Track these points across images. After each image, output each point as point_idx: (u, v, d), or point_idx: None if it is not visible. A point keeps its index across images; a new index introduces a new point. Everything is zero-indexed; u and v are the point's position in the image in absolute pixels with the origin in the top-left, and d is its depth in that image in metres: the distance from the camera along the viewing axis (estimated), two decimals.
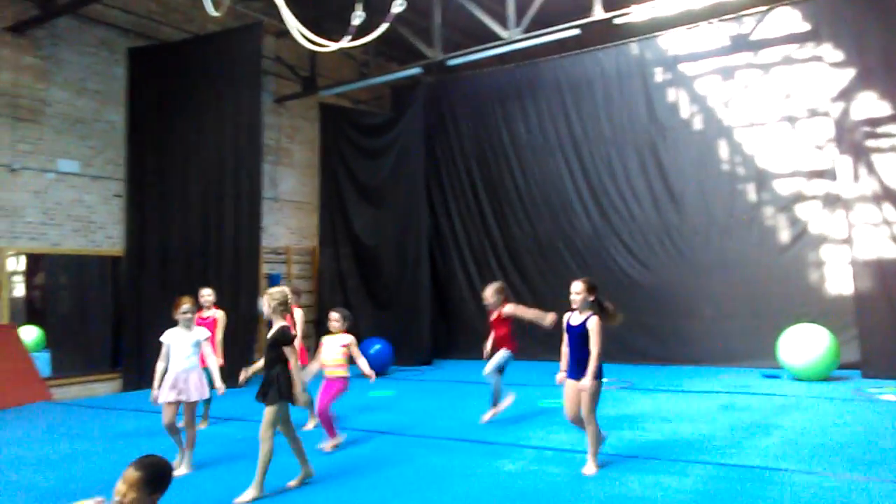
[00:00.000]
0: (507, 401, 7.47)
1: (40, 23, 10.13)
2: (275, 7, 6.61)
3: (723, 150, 11.78)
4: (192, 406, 5.86)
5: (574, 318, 5.42)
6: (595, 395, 5.29)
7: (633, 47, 12.47)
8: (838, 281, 10.53)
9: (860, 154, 9.74)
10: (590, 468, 5.30)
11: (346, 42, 7.26)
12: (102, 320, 11.24)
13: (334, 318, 6.46)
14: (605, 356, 12.69)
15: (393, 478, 5.38)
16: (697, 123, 11.99)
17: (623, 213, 12.43)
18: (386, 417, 7.86)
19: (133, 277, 11.11)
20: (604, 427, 6.93)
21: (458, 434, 6.84)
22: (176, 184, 11.24)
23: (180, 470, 5.65)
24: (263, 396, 5.01)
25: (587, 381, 5.21)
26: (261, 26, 11.26)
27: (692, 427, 6.88)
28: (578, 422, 5.41)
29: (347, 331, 6.47)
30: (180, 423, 5.87)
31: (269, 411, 4.95)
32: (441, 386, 10.31)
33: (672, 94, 12.21)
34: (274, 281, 13.38)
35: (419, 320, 13.18)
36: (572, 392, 5.38)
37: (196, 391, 5.84)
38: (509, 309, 7.53)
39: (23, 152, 10.14)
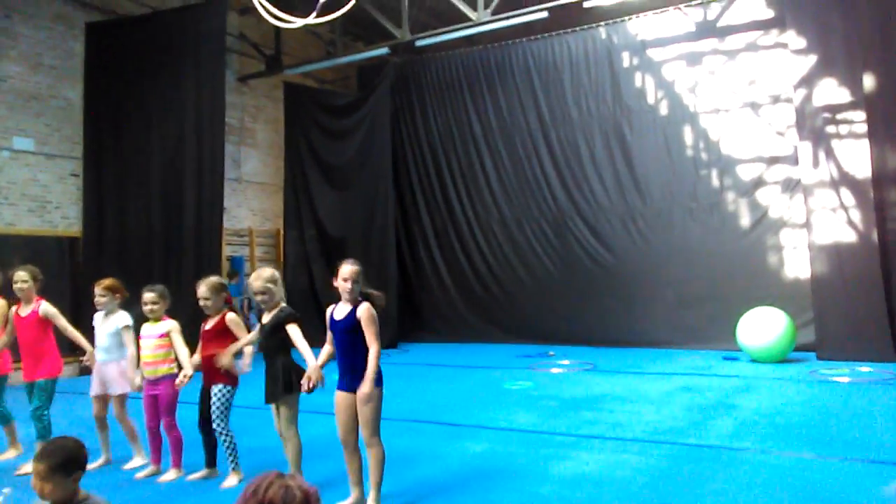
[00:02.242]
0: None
1: None
2: None
3: (688, 135, 11.90)
4: (120, 399, 5.42)
5: (339, 311, 4.26)
6: (378, 408, 4.14)
7: (602, 31, 12.50)
8: (796, 265, 10.74)
9: (820, 140, 9.90)
10: None
11: (311, 19, 7.14)
12: (60, 303, 10.88)
13: (150, 298, 5.18)
14: (566, 338, 12.76)
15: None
16: (663, 108, 12.08)
17: (588, 197, 12.51)
18: None
19: (90, 259, 10.86)
20: (568, 408, 7.05)
21: (423, 416, 6.85)
22: (135, 163, 10.99)
23: (134, 462, 5.43)
24: (276, 394, 4.53)
25: (366, 388, 4.04)
26: (225, 2, 11.02)
27: (652, 408, 6.98)
28: (352, 444, 4.25)
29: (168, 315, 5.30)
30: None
31: (284, 407, 4.56)
32: (406, 369, 10.32)
33: (639, 79, 12.28)
34: (236, 264, 13.22)
35: (386, 303, 13.07)
36: (346, 407, 4.18)
37: (118, 384, 5.37)
38: (232, 321, 5.01)
39: None
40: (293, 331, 4.54)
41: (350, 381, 4.16)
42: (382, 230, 13.44)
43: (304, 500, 1.66)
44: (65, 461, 2.62)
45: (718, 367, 9.39)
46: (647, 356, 10.61)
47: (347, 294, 4.19)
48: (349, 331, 4.15)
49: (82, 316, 10.82)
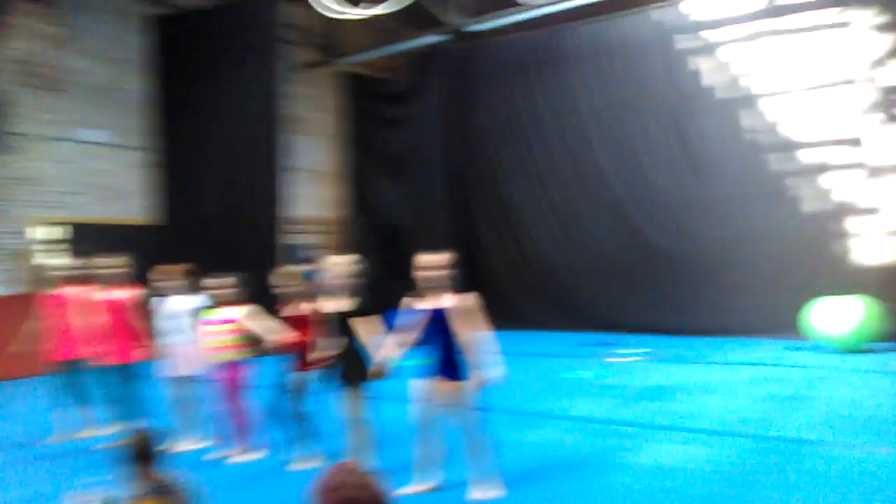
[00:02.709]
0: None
1: None
2: None
3: (746, 118, 11.59)
4: (188, 379, 5.62)
5: (429, 302, 4.25)
6: (475, 398, 4.28)
7: (655, 13, 12.23)
8: (866, 251, 10.39)
9: (888, 121, 9.55)
10: (478, 492, 4.26)
11: (367, 10, 7.16)
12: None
13: (219, 284, 5.33)
14: (628, 326, 12.52)
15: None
16: (720, 92, 11.78)
17: (645, 183, 12.28)
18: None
19: (158, 246, 11.14)
20: (634, 397, 6.98)
21: (487, 405, 6.86)
22: (199, 154, 11.23)
23: (191, 444, 5.57)
24: (354, 378, 4.60)
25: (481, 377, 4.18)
26: None
27: (722, 399, 6.87)
28: (438, 429, 4.31)
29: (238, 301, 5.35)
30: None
31: (357, 392, 4.63)
32: None
33: (695, 62, 12.00)
34: (295, 251, 13.41)
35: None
36: (435, 394, 4.27)
37: (187, 366, 5.54)
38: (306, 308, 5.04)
39: (46, 122, 10.15)
40: (364, 322, 4.59)
41: (441, 369, 4.23)
42: (437, 218, 13.45)
43: (374, 492, 1.77)
44: (144, 454, 2.87)
45: (789, 357, 9.14)
46: (712, 345, 10.39)
47: (433, 283, 4.20)
48: (442, 320, 4.18)
49: (152, 300, 11.20)
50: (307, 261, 13.07)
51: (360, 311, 4.64)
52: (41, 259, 10.05)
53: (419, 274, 4.25)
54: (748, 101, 11.52)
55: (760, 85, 11.41)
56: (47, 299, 6.08)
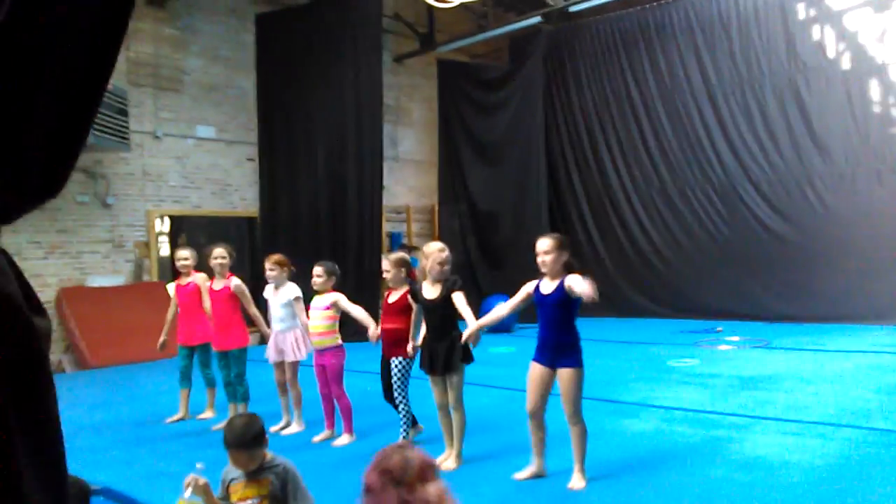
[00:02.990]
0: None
1: None
2: None
3: (874, 90, 10.75)
4: (292, 366, 5.79)
5: (546, 286, 4.22)
6: (581, 387, 4.22)
7: None
8: None
9: None
10: (577, 482, 4.20)
11: None
12: (241, 278, 11.89)
13: (317, 272, 5.51)
14: (736, 313, 12.07)
15: (517, 434, 5.39)
16: (845, 62, 10.97)
17: (761, 161, 11.64)
18: (507, 373, 7.78)
19: (266, 237, 11.69)
20: (739, 387, 6.67)
21: (585, 392, 6.74)
22: (303, 146, 11.63)
23: (291, 428, 5.80)
24: (449, 364, 4.61)
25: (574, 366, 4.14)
26: None
27: (835, 389, 6.45)
28: (540, 417, 4.30)
29: (334, 289, 5.53)
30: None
31: (457, 378, 4.65)
32: None
33: (817, 32, 11.22)
34: (395, 240, 13.67)
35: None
36: (541, 380, 4.23)
37: (291, 352, 5.74)
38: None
39: (164, 119, 10.80)
40: (458, 298, 4.60)
41: (552, 356, 4.19)
42: (535, 204, 13.32)
43: (420, 469, 1.79)
44: (249, 439, 2.94)
45: None
46: (827, 332, 9.80)
47: (547, 268, 4.18)
48: (557, 305, 4.15)
49: (259, 289, 11.72)
50: (407, 249, 13.32)
51: (450, 293, 4.64)
52: (162, 250, 10.74)
53: (538, 258, 4.22)
54: (876, 70, 10.68)
55: (890, 53, 10.54)
56: (176, 288, 6.49)
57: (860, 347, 8.50)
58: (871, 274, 10.43)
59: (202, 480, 2.83)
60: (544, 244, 4.22)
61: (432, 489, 1.79)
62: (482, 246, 13.90)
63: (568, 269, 4.22)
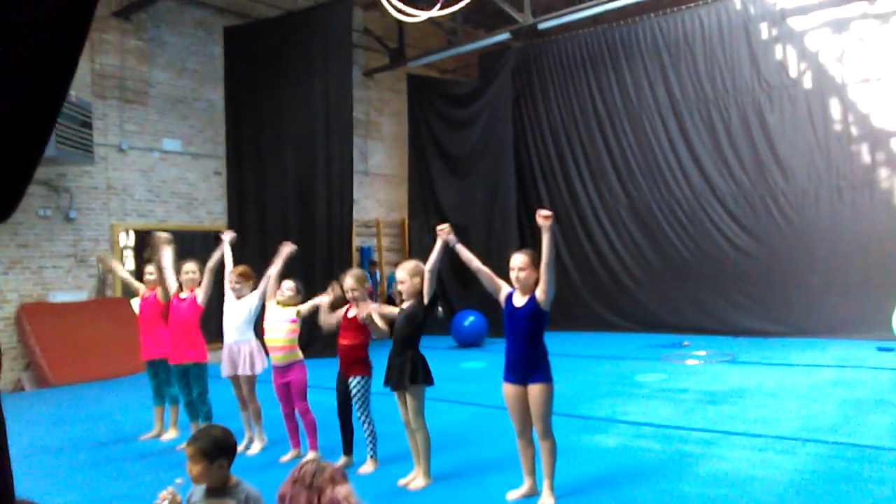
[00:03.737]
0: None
1: (142, 6, 10.51)
2: None
3: (835, 108, 11.01)
4: (249, 379, 5.66)
5: (518, 299, 4.20)
6: (551, 403, 4.17)
7: (737, 2, 11.77)
8: None
9: None
10: (546, 499, 4.15)
11: (436, 11, 7.17)
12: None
13: (288, 286, 5.47)
14: (702, 328, 12.20)
15: (489, 449, 5.37)
16: (807, 81, 11.24)
17: (726, 177, 11.85)
18: (477, 389, 7.79)
19: (233, 250, 11.49)
20: (706, 402, 6.73)
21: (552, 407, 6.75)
22: (271, 160, 11.53)
23: (254, 447, 5.67)
24: (400, 381, 4.59)
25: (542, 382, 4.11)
26: (350, 0, 11.28)
27: (799, 403, 6.54)
28: (528, 436, 4.24)
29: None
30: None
31: (415, 397, 4.60)
32: None
33: (779, 51, 11.48)
34: (365, 254, 13.61)
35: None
36: (519, 400, 4.15)
37: (247, 366, 5.60)
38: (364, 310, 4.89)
39: (130, 132, 10.63)
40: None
41: (522, 373, 4.14)
42: (504, 218, 13.39)
43: (331, 475, 1.99)
44: (210, 447, 2.78)
45: (873, 359, 8.65)
46: (791, 347, 9.96)
47: (521, 283, 4.17)
48: (529, 317, 4.11)
49: (222, 305, 11.59)
50: (374, 263, 13.27)
51: (417, 313, 4.63)
52: (127, 265, 10.54)
53: (512, 273, 4.21)
54: (837, 90, 10.95)
55: (850, 73, 10.82)
56: (138, 303, 6.39)
57: (824, 362, 8.65)
58: (834, 289, 10.66)
59: (178, 497, 2.73)
60: (519, 260, 4.22)
61: (342, 491, 1.96)
62: (452, 260, 13.82)
63: (536, 283, 4.20)
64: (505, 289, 4.31)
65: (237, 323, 5.67)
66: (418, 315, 4.64)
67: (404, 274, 4.73)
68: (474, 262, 4.46)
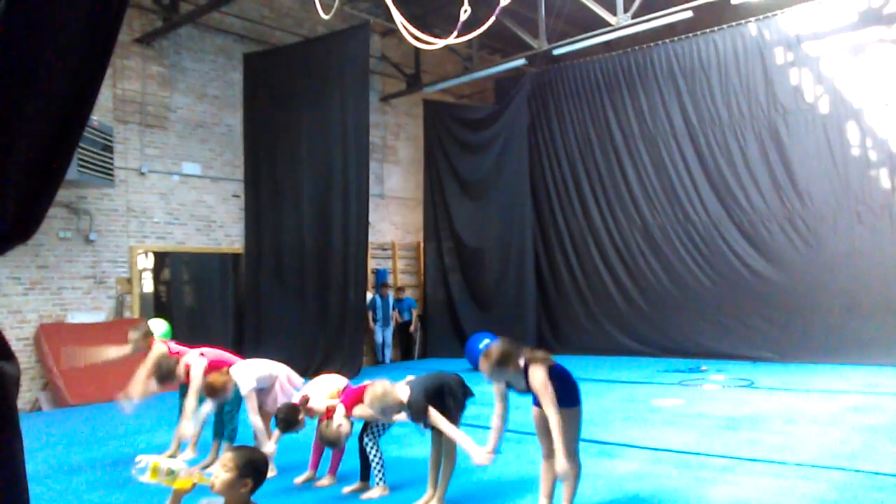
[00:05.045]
0: None
1: (164, 33, 10.73)
2: (380, 6, 6.69)
3: (853, 133, 10.98)
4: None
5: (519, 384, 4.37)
6: (576, 428, 4.19)
7: (752, 27, 11.82)
8: None
9: None
10: None
11: (452, 38, 7.26)
12: (224, 314, 11.84)
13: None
14: (720, 352, 12.09)
15: (503, 475, 5.33)
16: (823, 106, 11.23)
17: (743, 202, 11.82)
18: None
19: (252, 273, 11.62)
20: (724, 427, 6.66)
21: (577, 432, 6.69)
22: (289, 183, 11.65)
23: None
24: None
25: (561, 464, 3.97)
26: (368, 27, 11.42)
27: (819, 429, 6.45)
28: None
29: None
30: None
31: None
32: None
33: (795, 76, 11.49)
34: (380, 276, 13.65)
35: (524, 315, 13.09)
36: (545, 423, 4.13)
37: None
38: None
39: (150, 156, 10.80)
40: (436, 416, 4.52)
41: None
42: (520, 242, 13.42)
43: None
44: (245, 462, 2.79)
45: (894, 385, 8.53)
46: (811, 372, 9.84)
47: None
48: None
49: (245, 323, 11.65)
50: (386, 286, 13.31)
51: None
52: (145, 287, 10.64)
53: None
54: (854, 114, 10.92)
55: (867, 98, 10.80)
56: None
57: (845, 387, 8.53)
58: (853, 313, 10.54)
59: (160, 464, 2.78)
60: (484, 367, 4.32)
61: None
62: (468, 282, 13.89)
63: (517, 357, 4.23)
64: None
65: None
66: (420, 408, 4.54)
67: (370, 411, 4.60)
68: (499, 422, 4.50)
